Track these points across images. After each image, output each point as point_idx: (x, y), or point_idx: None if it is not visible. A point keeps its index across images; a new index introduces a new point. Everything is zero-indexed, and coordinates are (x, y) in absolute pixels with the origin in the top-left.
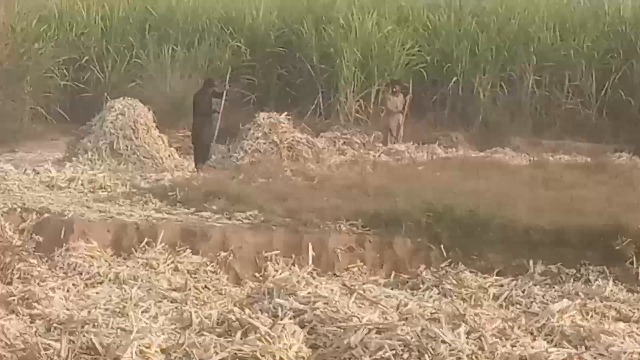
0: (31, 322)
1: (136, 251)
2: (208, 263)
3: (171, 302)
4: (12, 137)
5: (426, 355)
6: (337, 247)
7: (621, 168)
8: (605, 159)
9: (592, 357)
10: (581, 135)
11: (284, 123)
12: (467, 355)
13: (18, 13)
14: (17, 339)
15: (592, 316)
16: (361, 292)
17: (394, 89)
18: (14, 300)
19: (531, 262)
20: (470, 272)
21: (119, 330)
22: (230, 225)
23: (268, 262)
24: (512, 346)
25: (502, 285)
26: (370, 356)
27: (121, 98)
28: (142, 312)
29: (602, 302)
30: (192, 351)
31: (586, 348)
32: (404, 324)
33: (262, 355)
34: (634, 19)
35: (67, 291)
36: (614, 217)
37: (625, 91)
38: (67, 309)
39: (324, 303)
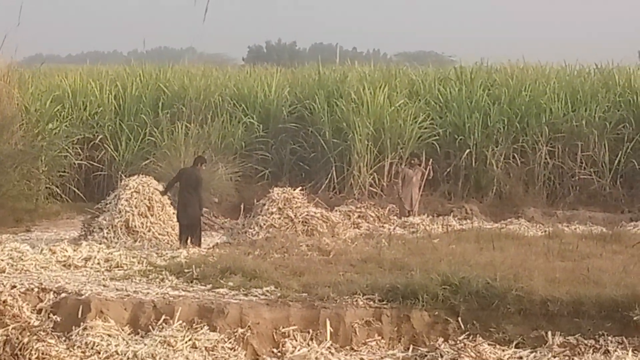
0: None
1: (153, 329)
2: (226, 339)
3: None
4: (27, 216)
5: None
6: (354, 321)
7: (637, 237)
8: (620, 228)
9: None
10: (595, 205)
11: (298, 198)
12: None
13: (32, 94)
14: None
15: None
16: None
17: (412, 162)
18: None
19: (549, 333)
20: (489, 344)
21: None
22: (247, 301)
23: (286, 338)
24: None
25: (521, 358)
26: None
27: (136, 176)
28: None
29: None
30: None
31: None
32: None
33: None
34: None
35: None
36: (631, 287)
37: (639, 160)
38: None
39: None
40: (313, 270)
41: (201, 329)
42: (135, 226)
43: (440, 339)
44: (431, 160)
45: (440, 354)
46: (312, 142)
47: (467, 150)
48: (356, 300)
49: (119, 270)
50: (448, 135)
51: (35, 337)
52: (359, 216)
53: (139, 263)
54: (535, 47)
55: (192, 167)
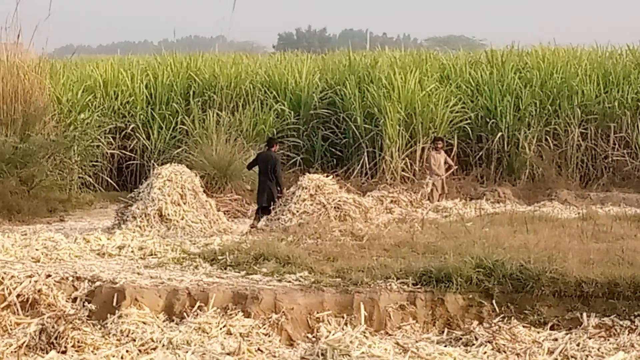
0: None
1: (188, 316)
2: (260, 325)
3: None
4: (61, 206)
5: None
6: (388, 305)
7: None
8: None
9: None
10: (629, 186)
11: (330, 184)
12: None
13: (63, 84)
14: None
15: None
16: (415, 350)
17: (437, 147)
18: None
19: (584, 315)
20: (524, 326)
21: None
22: (280, 287)
23: (320, 323)
24: None
25: (556, 339)
26: None
27: (168, 164)
28: None
29: None
30: None
31: None
32: None
33: None
34: None
35: (122, 358)
36: None
37: None
38: None
39: None
40: (346, 255)
41: (236, 315)
42: (168, 214)
43: (475, 322)
44: (456, 143)
45: (475, 337)
46: (344, 128)
47: (499, 134)
48: (390, 285)
49: (153, 258)
50: (480, 119)
51: (70, 326)
52: (391, 201)
53: (172, 251)
54: (567, 29)
55: (267, 150)
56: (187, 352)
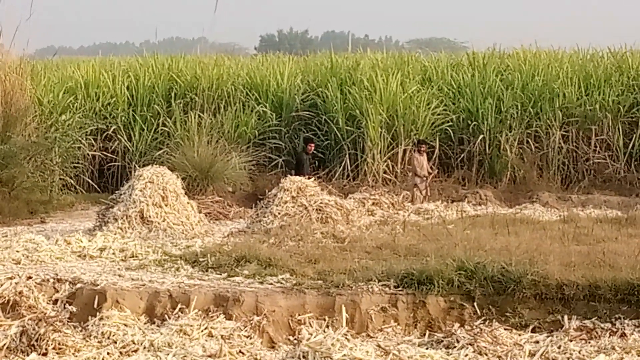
0: None
1: (169, 318)
2: (242, 328)
3: None
4: (42, 208)
5: None
6: (370, 308)
7: None
8: (635, 212)
9: None
10: (610, 188)
11: (311, 186)
12: None
13: (45, 85)
14: None
15: None
16: (396, 352)
17: (420, 149)
18: None
19: (566, 317)
20: (505, 329)
21: None
22: (262, 289)
23: (302, 325)
24: None
25: (537, 342)
26: None
27: (149, 166)
28: None
29: (639, 356)
30: None
31: None
32: None
33: None
34: None
35: None
36: None
37: None
38: None
39: None
40: (328, 258)
41: (217, 317)
42: (149, 216)
43: (456, 325)
44: (437, 145)
45: (457, 339)
46: (326, 130)
47: (481, 136)
48: (371, 287)
49: (134, 260)
50: (461, 121)
51: (51, 328)
52: (373, 203)
53: (154, 253)
54: (548, 32)
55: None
56: (168, 354)
